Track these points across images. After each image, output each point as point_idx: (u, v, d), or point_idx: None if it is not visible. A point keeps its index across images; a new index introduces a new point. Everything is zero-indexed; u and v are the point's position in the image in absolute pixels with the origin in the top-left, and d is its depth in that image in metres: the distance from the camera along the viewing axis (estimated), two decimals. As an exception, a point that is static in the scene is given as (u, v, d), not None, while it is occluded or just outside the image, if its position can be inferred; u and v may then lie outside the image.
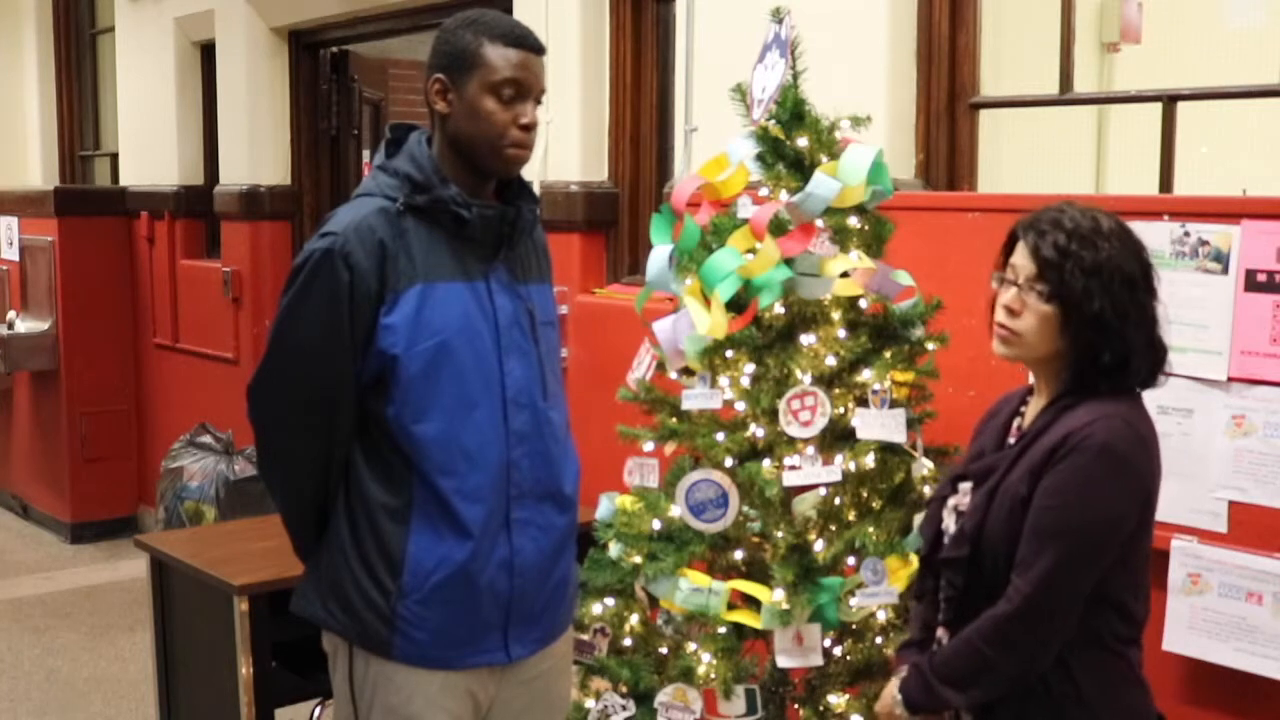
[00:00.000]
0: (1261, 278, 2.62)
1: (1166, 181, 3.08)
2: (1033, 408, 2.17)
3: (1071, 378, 2.08)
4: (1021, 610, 2.01)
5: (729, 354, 2.72)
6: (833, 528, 2.68)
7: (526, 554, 2.28)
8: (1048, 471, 2.02)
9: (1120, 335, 2.02)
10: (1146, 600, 2.13)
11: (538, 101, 2.24)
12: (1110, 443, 1.99)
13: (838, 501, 2.67)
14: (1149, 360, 2.06)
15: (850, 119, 2.74)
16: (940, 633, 2.20)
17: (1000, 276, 2.12)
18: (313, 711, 3.60)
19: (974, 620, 2.08)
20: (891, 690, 2.20)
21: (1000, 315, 2.11)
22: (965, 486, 2.19)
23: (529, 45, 2.23)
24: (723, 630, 2.70)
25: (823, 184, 2.59)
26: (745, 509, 2.71)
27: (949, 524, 2.19)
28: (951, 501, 2.21)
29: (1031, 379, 2.19)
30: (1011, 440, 2.17)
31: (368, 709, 2.27)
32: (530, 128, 2.22)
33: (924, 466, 2.68)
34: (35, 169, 8.63)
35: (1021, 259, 2.08)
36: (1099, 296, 2.01)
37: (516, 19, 2.32)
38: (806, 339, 2.69)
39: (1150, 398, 2.14)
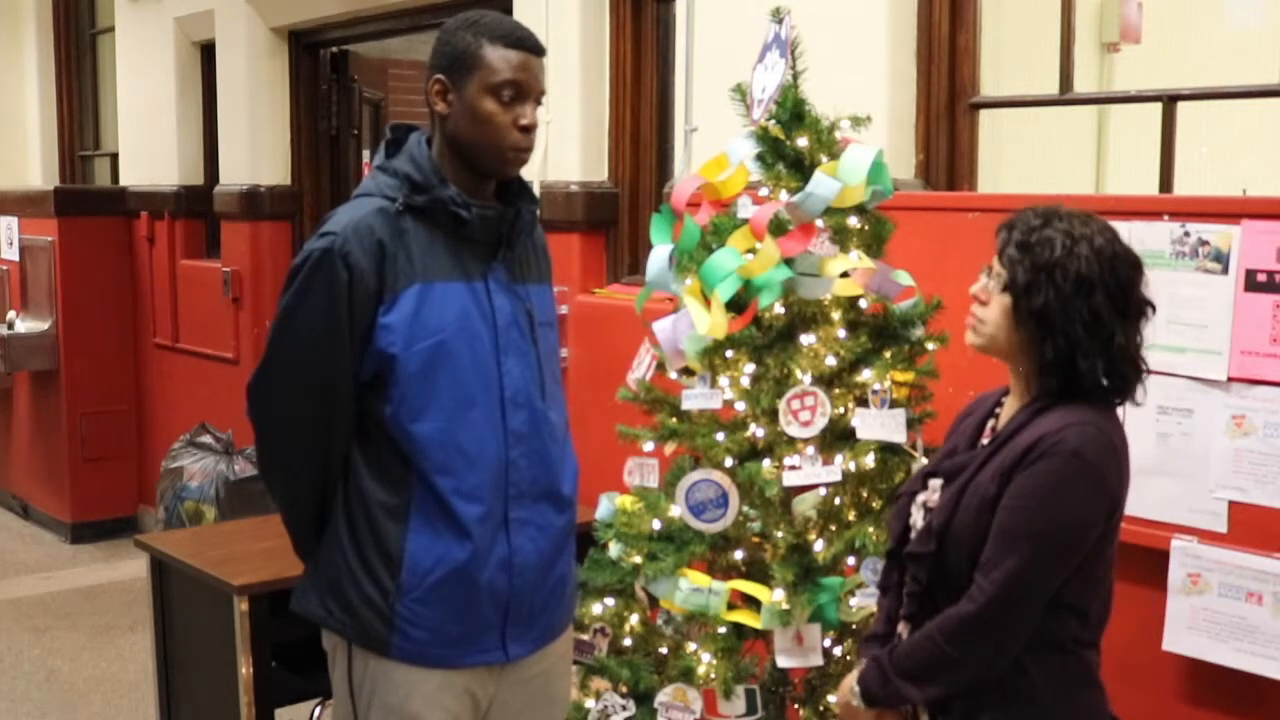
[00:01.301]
0: (1261, 278, 2.62)
1: (1166, 181, 3.08)
2: (1008, 409, 2.18)
3: (1039, 378, 2.09)
4: (984, 610, 2.01)
5: (729, 354, 2.72)
6: (833, 528, 2.68)
7: (525, 553, 2.28)
8: (1018, 473, 2.03)
9: (1064, 333, 2.03)
10: (1106, 604, 2.13)
11: (537, 103, 2.24)
12: (1081, 449, 2.00)
13: (838, 501, 2.67)
14: (1105, 365, 2.04)
15: (850, 119, 2.74)
16: (901, 627, 2.21)
17: (986, 269, 2.15)
18: (313, 711, 3.60)
19: (935, 616, 2.09)
20: (850, 682, 2.20)
21: (973, 304, 2.15)
22: (936, 483, 2.20)
23: (529, 46, 2.23)
24: (723, 630, 2.70)
25: (823, 184, 2.59)
26: (745, 509, 2.71)
27: (917, 519, 2.20)
28: (921, 498, 2.22)
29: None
30: (985, 440, 2.18)
31: (366, 707, 2.27)
32: (530, 129, 2.22)
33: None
34: (35, 169, 8.63)
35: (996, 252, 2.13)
36: (1044, 291, 2.03)
37: (517, 20, 2.32)
38: (806, 339, 2.69)
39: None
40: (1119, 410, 2.11)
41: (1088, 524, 2.02)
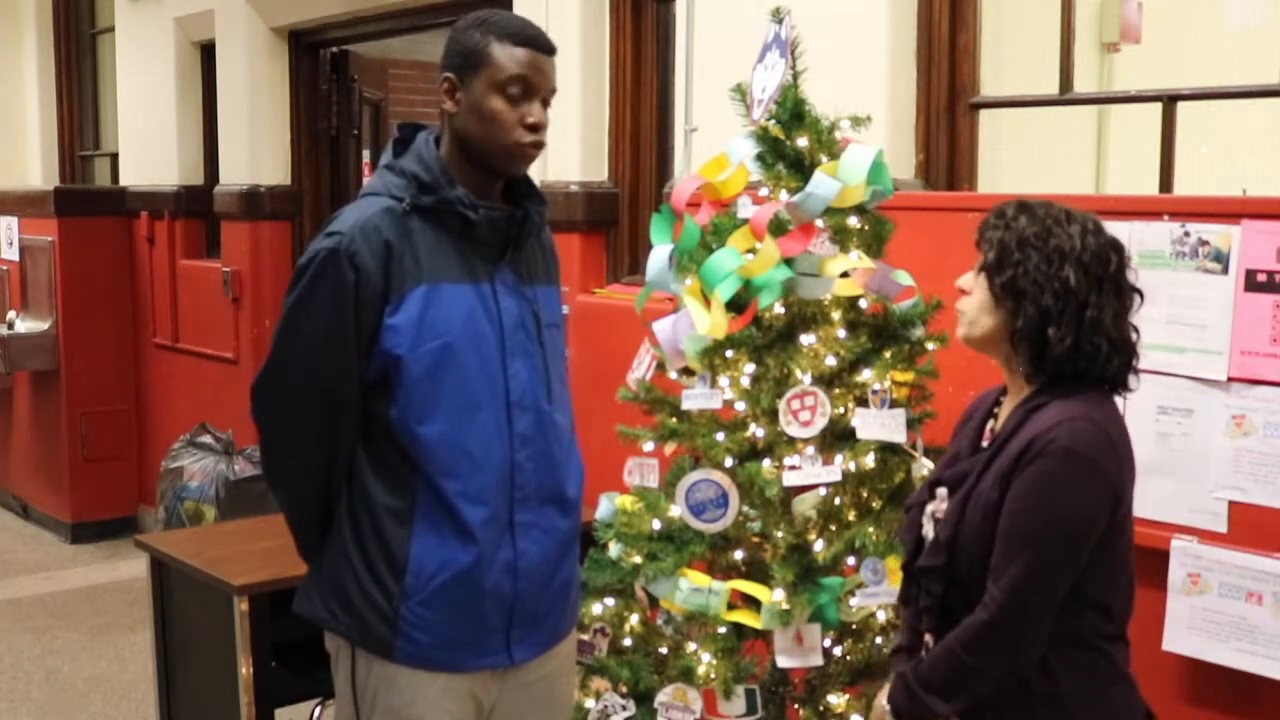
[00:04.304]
0: (1261, 278, 2.62)
1: (1166, 181, 3.08)
2: (1005, 408, 2.17)
3: (1015, 355, 2.09)
4: (998, 617, 2.02)
5: (729, 354, 2.72)
6: (833, 528, 2.68)
7: (530, 557, 2.27)
8: (1015, 476, 2.03)
9: (1034, 302, 2.03)
10: (1129, 597, 2.13)
11: (546, 102, 2.24)
12: (1073, 446, 1.99)
13: (838, 501, 2.67)
14: (1075, 337, 2.03)
15: (850, 119, 2.74)
16: (927, 639, 2.20)
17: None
18: (313, 711, 3.60)
19: (955, 627, 2.09)
20: (881, 700, 2.21)
21: (959, 300, 2.16)
22: (942, 492, 2.19)
23: (538, 45, 2.23)
24: (723, 630, 2.70)
25: (823, 184, 2.59)
26: (745, 509, 2.71)
27: (928, 531, 2.20)
28: (930, 508, 2.21)
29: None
30: (985, 443, 2.18)
31: (369, 710, 2.27)
32: (537, 127, 2.21)
33: (924, 466, 2.68)
34: (35, 169, 8.63)
35: None
36: (1016, 263, 2.05)
37: (527, 19, 2.32)
38: (806, 339, 2.69)
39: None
40: (1118, 403, 2.11)
41: (1089, 520, 2.02)
